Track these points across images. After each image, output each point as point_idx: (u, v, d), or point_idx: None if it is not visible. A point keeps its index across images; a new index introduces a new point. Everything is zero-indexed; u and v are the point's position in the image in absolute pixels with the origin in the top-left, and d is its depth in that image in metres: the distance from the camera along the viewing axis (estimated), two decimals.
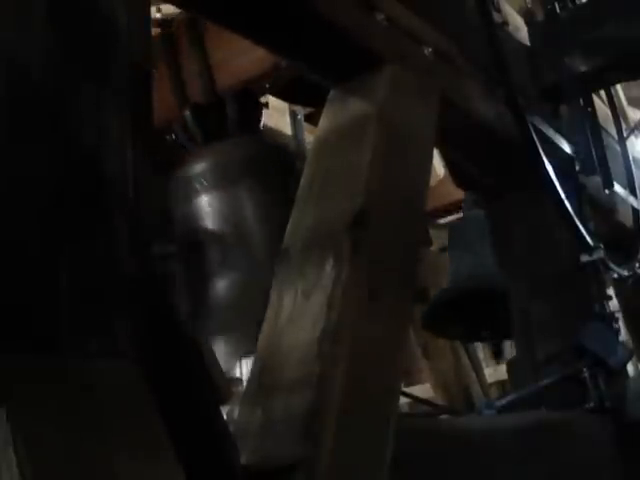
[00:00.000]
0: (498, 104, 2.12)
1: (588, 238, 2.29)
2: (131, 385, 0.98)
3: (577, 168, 2.54)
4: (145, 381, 1.00)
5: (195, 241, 2.62)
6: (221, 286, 2.58)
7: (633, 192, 2.96)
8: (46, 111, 1.03)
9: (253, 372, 1.44)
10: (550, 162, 2.15)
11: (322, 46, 1.68)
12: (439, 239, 4.22)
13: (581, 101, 2.68)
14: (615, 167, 2.79)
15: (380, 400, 1.43)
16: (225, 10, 1.59)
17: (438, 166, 3.79)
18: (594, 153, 2.63)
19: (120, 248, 1.08)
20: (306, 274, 1.49)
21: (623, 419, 2.23)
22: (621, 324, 2.49)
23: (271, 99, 3.06)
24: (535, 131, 2.14)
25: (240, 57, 2.59)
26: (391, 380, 1.48)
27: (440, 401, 3.91)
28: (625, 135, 3.04)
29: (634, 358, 2.49)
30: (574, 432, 2.12)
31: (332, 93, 1.79)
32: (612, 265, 2.43)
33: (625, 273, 2.57)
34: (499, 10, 2.38)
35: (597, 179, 2.65)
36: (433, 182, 3.37)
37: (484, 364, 4.78)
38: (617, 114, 3.03)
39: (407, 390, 3.98)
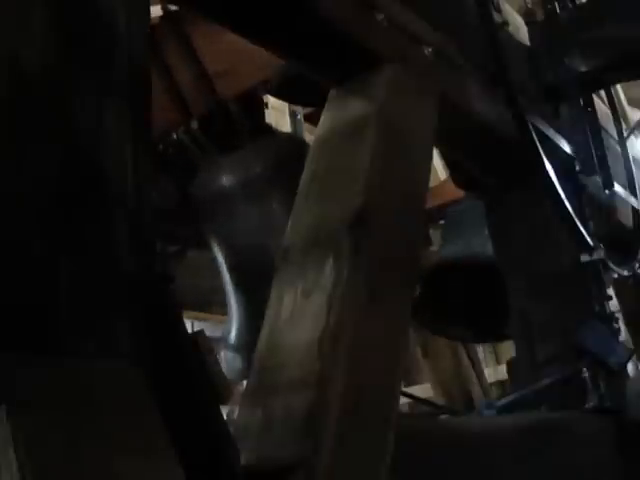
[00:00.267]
0: (498, 104, 2.12)
1: (588, 238, 2.29)
2: (131, 385, 0.98)
3: (577, 168, 2.54)
4: (145, 381, 1.00)
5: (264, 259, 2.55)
6: None
7: (633, 192, 2.96)
8: (46, 111, 1.03)
9: (253, 372, 1.44)
10: (550, 162, 2.15)
11: (322, 46, 1.68)
12: (439, 239, 4.22)
13: (581, 101, 2.68)
14: (615, 167, 2.79)
15: (380, 400, 1.43)
16: (224, 10, 1.59)
17: (439, 167, 3.80)
18: (594, 153, 2.63)
19: (120, 248, 1.08)
20: (306, 274, 1.49)
21: (623, 419, 2.23)
22: (621, 324, 2.48)
23: (271, 99, 3.06)
24: (535, 131, 2.14)
25: (241, 66, 2.59)
26: (391, 380, 1.48)
27: (440, 401, 3.91)
28: (625, 135, 3.04)
29: (634, 358, 2.48)
30: (574, 432, 2.11)
31: (332, 93, 1.79)
32: (612, 265, 2.43)
33: (625, 273, 2.57)
34: (499, 10, 2.38)
35: (597, 179, 2.65)
36: (433, 182, 3.37)
37: (484, 364, 4.79)
38: (617, 114, 3.03)
39: (407, 390, 3.99)
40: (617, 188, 2.76)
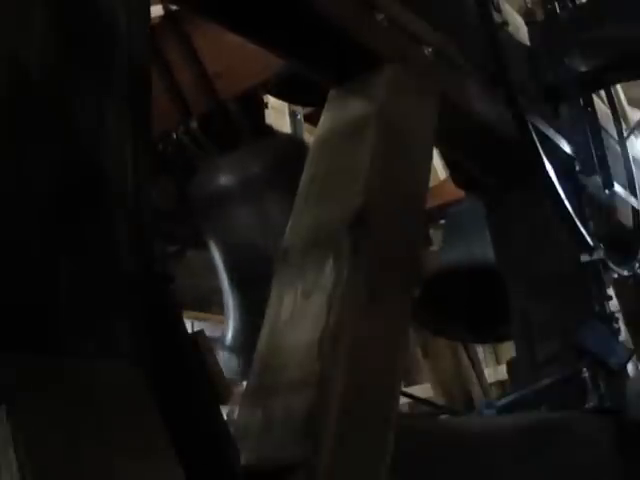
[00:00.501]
0: (498, 104, 2.12)
1: (588, 238, 2.29)
2: (131, 385, 0.98)
3: (577, 168, 2.54)
4: (145, 381, 1.00)
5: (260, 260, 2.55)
6: None
7: (633, 192, 2.95)
8: (46, 111, 1.03)
9: (253, 372, 1.44)
10: (550, 162, 2.15)
11: (322, 46, 1.68)
12: (439, 239, 4.22)
13: (581, 101, 2.68)
14: (615, 167, 2.79)
15: (380, 400, 1.43)
16: (224, 10, 1.59)
17: (439, 167, 3.80)
18: (594, 153, 2.63)
19: (120, 248, 1.08)
20: (306, 274, 1.48)
21: (623, 419, 2.23)
22: (621, 324, 2.48)
23: (271, 99, 3.06)
24: (535, 131, 2.14)
25: (241, 66, 2.59)
26: (391, 380, 1.48)
27: (440, 401, 3.91)
28: (625, 135, 3.04)
29: (634, 358, 2.48)
30: (574, 432, 2.11)
31: (332, 93, 1.79)
32: (612, 265, 2.43)
33: (625, 273, 2.57)
34: (499, 10, 2.38)
35: (597, 179, 2.65)
36: (433, 182, 3.37)
37: (484, 364, 4.79)
38: (617, 114, 3.03)
39: (407, 390, 3.99)
40: (617, 188, 2.76)
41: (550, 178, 2.14)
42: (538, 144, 2.11)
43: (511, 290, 2.55)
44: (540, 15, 2.66)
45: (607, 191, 2.70)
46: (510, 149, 2.26)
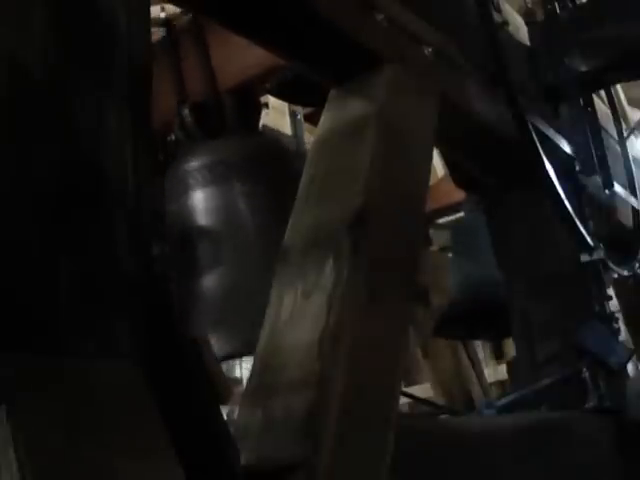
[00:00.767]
0: (498, 104, 2.12)
1: (588, 238, 2.29)
2: (131, 385, 0.98)
3: (577, 168, 2.54)
4: (145, 381, 1.00)
5: (187, 237, 2.58)
6: (212, 282, 2.55)
7: (633, 192, 2.96)
8: (46, 111, 1.03)
9: (253, 372, 1.44)
10: (550, 162, 2.15)
11: (322, 46, 1.68)
12: (439, 239, 4.22)
13: (581, 101, 2.68)
14: (615, 167, 2.79)
15: (380, 400, 1.43)
16: (224, 10, 1.59)
17: (438, 166, 3.80)
18: (594, 153, 2.63)
19: (120, 248, 1.08)
20: (306, 274, 1.48)
21: (623, 419, 2.23)
22: (621, 324, 2.48)
23: (271, 99, 3.05)
24: (535, 131, 2.14)
25: (241, 56, 2.58)
26: (391, 380, 1.48)
27: (440, 401, 3.91)
28: (625, 135, 3.04)
29: (634, 358, 2.48)
30: (574, 432, 2.12)
31: (332, 93, 1.79)
32: (612, 265, 2.43)
33: (625, 273, 2.57)
34: (499, 10, 2.38)
35: (597, 179, 2.65)
36: (433, 182, 3.37)
37: (484, 364, 4.79)
38: (617, 114, 3.03)
39: (407, 390, 3.99)
40: (617, 188, 2.76)
41: (550, 178, 2.14)
42: (538, 144, 2.11)
43: (511, 290, 2.55)
44: (540, 15, 2.66)
45: (607, 191, 2.70)
46: (510, 149, 2.26)
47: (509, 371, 2.86)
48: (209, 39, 2.71)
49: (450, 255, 3.61)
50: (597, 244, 2.33)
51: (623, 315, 2.79)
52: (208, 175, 2.64)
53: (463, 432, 1.78)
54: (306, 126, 3.23)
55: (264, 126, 3.03)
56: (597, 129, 2.69)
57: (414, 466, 1.49)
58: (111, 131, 1.10)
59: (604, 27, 2.52)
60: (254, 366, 1.45)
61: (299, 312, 1.45)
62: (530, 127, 2.11)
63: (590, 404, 2.21)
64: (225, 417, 1.18)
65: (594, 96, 2.78)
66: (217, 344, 2.17)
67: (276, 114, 3.21)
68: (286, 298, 1.48)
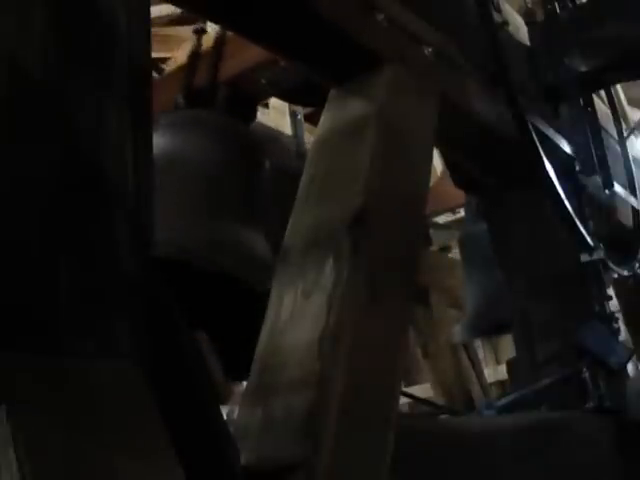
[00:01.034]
0: (498, 104, 2.12)
1: (588, 238, 2.29)
2: (131, 385, 0.98)
3: (577, 168, 2.54)
4: (145, 381, 1.00)
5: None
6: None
7: (633, 192, 2.96)
8: (46, 111, 1.03)
9: (253, 372, 1.44)
10: (550, 162, 2.15)
11: (322, 46, 1.68)
12: (439, 239, 4.22)
13: (581, 101, 2.68)
14: (615, 167, 2.79)
15: (380, 400, 1.43)
16: (225, 10, 1.59)
17: (437, 165, 3.79)
18: (594, 153, 2.63)
19: (120, 248, 1.08)
20: (306, 274, 1.49)
21: (623, 419, 2.23)
22: (621, 324, 2.48)
23: (271, 99, 3.05)
24: (535, 131, 2.14)
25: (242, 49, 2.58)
26: (391, 380, 1.48)
27: (440, 401, 3.91)
28: (625, 135, 3.04)
29: (634, 358, 2.48)
30: (574, 432, 2.12)
31: (332, 93, 1.79)
32: (612, 265, 2.43)
33: (625, 273, 2.57)
34: (499, 10, 2.38)
35: (597, 179, 2.65)
36: (432, 181, 3.36)
37: (484, 364, 4.79)
38: (617, 114, 3.03)
39: (407, 390, 3.99)
40: (617, 188, 2.76)
41: (550, 178, 2.14)
42: (538, 144, 2.11)
43: (511, 290, 2.55)
44: (540, 15, 2.66)
45: (607, 191, 2.70)
46: (510, 149, 2.26)
47: (509, 371, 2.85)
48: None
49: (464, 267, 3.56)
50: (597, 244, 2.33)
51: (623, 315, 2.79)
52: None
53: (463, 432, 1.78)
54: (306, 126, 3.22)
55: (264, 126, 3.03)
56: (597, 129, 2.69)
57: (414, 466, 1.49)
58: (111, 131, 1.10)
59: (604, 27, 2.52)
60: (254, 366, 1.45)
61: (299, 312, 1.45)
62: (530, 127, 2.11)
63: (590, 404, 2.21)
64: (225, 417, 1.18)
65: (594, 96, 2.78)
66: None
67: (276, 114, 3.21)
68: (286, 298, 1.49)
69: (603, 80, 2.72)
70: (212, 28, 2.59)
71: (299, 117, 3.19)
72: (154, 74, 2.67)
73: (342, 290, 1.41)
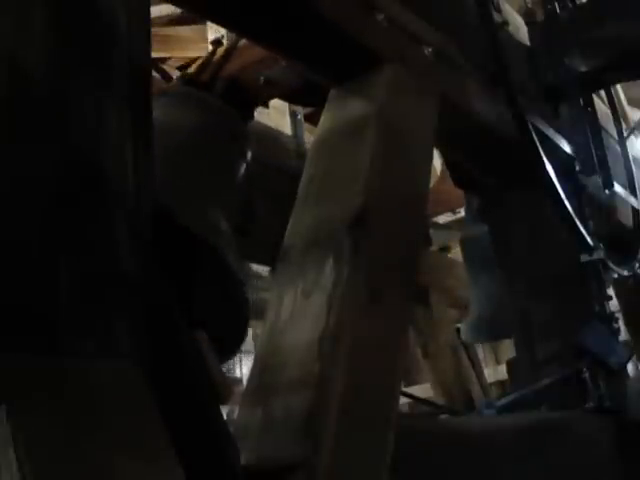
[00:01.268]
0: (498, 104, 2.12)
1: (588, 238, 2.29)
2: (131, 385, 0.98)
3: (577, 168, 2.54)
4: (145, 381, 1.00)
5: None
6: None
7: (633, 192, 2.96)
8: (46, 111, 1.03)
9: (253, 372, 1.44)
10: (550, 162, 2.15)
11: (322, 46, 1.68)
12: (439, 239, 4.22)
13: (581, 101, 2.68)
14: (615, 167, 2.79)
15: (380, 400, 1.43)
16: (225, 10, 1.59)
17: (437, 165, 3.79)
18: (594, 153, 2.63)
19: (120, 248, 1.08)
20: (306, 274, 1.48)
21: (623, 419, 2.23)
22: (621, 324, 2.48)
23: None
24: (535, 131, 2.14)
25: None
26: (391, 380, 1.48)
27: (440, 401, 3.91)
28: (625, 135, 3.04)
29: (634, 358, 2.48)
30: (574, 432, 2.11)
31: (332, 93, 1.79)
32: (612, 265, 2.43)
33: (625, 273, 2.57)
34: (499, 10, 2.38)
35: (597, 179, 2.65)
36: (432, 181, 3.36)
37: (484, 364, 4.79)
38: (617, 114, 3.03)
39: (407, 390, 3.99)
40: (617, 188, 2.77)
41: (550, 178, 2.14)
42: (538, 144, 2.11)
43: (511, 290, 2.55)
44: (540, 15, 2.66)
45: (607, 191, 2.70)
46: (510, 149, 2.26)
47: (509, 371, 2.85)
48: None
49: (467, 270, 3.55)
50: (597, 244, 2.33)
51: (623, 315, 2.79)
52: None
53: (463, 432, 1.78)
54: (306, 126, 3.23)
55: (263, 126, 3.02)
56: (597, 129, 2.69)
57: (414, 466, 1.49)
58: (111, 131, 1.10)
59: (604, 27, 2.52)
60: (254, 366, 1.45)
61: (299, 312, 1.45)
62: (530, 127, 2.11)
63: (590, 404, 2.21)
64: (225, 417, 1.18)
65: (594, 96, 2.78)
66: None
67: (276, 114, 3.21)
68: (286, 298, 1.48)
69: (603, 80, 2.72)
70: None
71: (299, 117, 3.19)
72: (154, 74, 2.66)
73: (342, 290, 1.41)
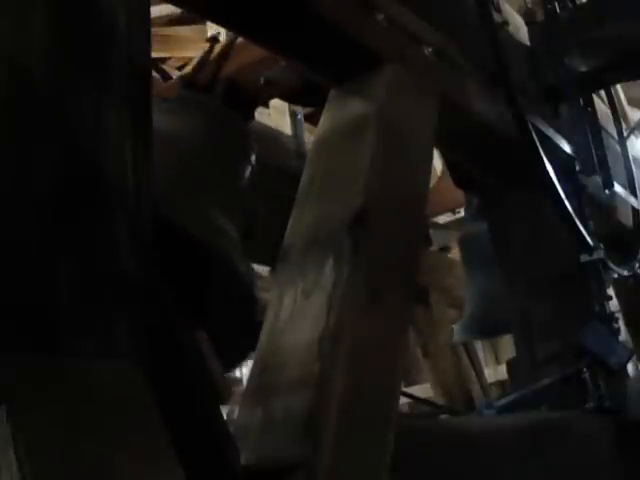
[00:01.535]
0: (498, 104, 2.12)
1: (588, 238, 2.29)
2: (131, 385, 0.98)
3: (577, 168, 2.54)
4: (145, 381, 1.00)
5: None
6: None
7: (633, 192, 2.96)
8: (46, 111, 1.03)
9: (253, 372, 1.44)
10: (550, 162, 2.15)
11: (322, 46, 1.68)
12: (439, 239, 4.22)
13: (581, 101, 2.68)
14: (615, 167, 2.79)
15: (380, 400, 1.43)
16: (225, 10, 1.59)
17: (437, 165, 3.79)
18: (594, 153, 2.63)
19: (120, 248, 1.08)
20: (306, 274, 1.48)
21: (623, 419, 2.23)
22: (621, 324, 2.48)
23: None
24: (535, 131, 2.14)
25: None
26: (391, 380, 1.48)
27: (440, 401, 3.91)
28: (625, 135, 3.04)
29: (634, 358, 2.48)
30: (574, 432, 2.11)
31: (332, 93, 1.79)
32: (612, 265, 2.43)
33: (625, 273, 2.57)
34: (499, 10, 2.38)
35: (597, 179, 2.65)
36: (432, 181, 3.36)
37: (484, 364, 4.79)
38: (617, 114, 3.03)
39: (407, 390, 3.99)
40: (617, 188, 2.76)
41: (550, 178, 2.14)
42: (538, 144, 2.11)
43: (511, 290, 2.55)
44: (540, 15, 2.66)
45: (607, 191, 2.70)
46: (510, 149, 2.26)
47: (509, 371, 2.85)
48: None
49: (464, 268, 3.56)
50: (597, 244, 2.33)
51: (623, 315, 2.79)
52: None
53: (463, 432, 1.78)
54: (306, 126, 3.23)
55: (263, 126, 3.02)
56: (597, 129, 2.69)
57: (414, 466, 1.49)
58: (111, 131, 1.10)
59: (604, 27, 2.52)
60: (254, 366, 1.45)
61: (299, 312, 1.45)
62: (530, 127, 2.11)
63: (590, 404, 2.21)
64: (225, 417, 1.18)
65: (594, 96, 2.78)
66: None
67: (276, 114, 3.21)
68: (286, 298, 1.48)
69: (603, 80, 2.72)
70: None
71: (299, 117, 3.19)
72: (154, 74, 2.66)
73: (342, 290, 1.41)
